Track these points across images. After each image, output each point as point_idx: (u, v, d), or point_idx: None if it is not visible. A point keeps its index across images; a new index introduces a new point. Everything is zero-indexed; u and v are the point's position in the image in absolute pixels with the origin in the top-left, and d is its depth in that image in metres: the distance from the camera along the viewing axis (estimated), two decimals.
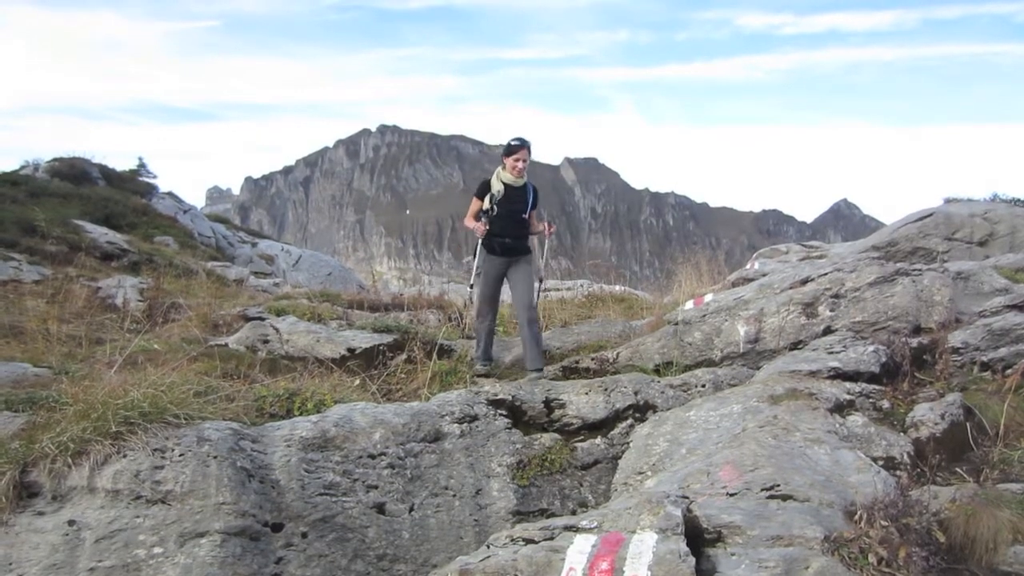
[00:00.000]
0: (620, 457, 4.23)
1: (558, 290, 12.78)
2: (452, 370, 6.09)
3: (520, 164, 5.95)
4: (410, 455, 3.79)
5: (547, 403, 4.49)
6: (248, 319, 7.70)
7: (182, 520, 2.93)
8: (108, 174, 21.79)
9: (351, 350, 6.48)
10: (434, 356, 6.17)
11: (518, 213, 6.06)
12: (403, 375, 6.10)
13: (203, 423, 3.33)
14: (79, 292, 8.27)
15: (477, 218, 6.07)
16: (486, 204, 6.04)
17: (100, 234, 14.40)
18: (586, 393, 4.57)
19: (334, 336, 6.73)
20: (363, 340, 6.65)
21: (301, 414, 4.02)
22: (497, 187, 6.00)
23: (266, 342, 6.61)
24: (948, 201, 11.26)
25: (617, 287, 13.17)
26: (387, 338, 6.70)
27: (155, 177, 24.11)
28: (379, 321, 7.46)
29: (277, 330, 6.64)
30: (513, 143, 6.00)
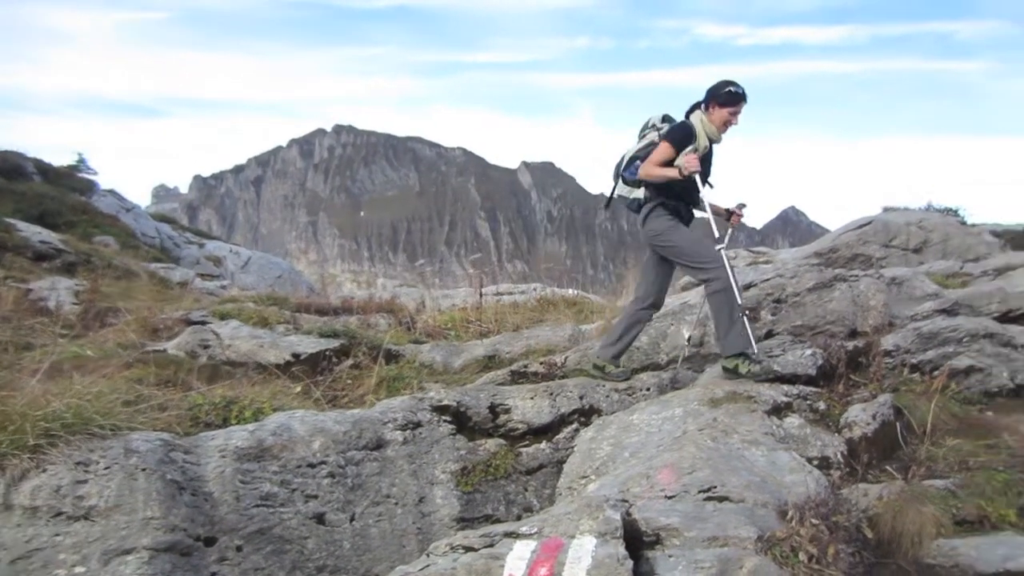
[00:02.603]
0: (565, 461, 4.24)
1: (511, 294, 12.80)
2: (399, 375, 6.03)
3: (736, 121, 4.73)
4: (351, 463, 3.73)
5: (492, 408, 4.48)
6: (191, 323, 7.50)
7: (106, 537, 2.82)
8: (44, 169, 20.78)
9: (296, 355, 6.36)
10: (380, 361, 6.10)
11: (708, 175, 4.86)
12: (349, 381, 6.02)
13: (131, 434, 3.21)
14: (7, 295, 7.93)
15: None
16: (681, 160, 4.58)
17: (33, 233, 13.79)
18: (532, 398, 4.58)
19: (279, 341, 6.60)
20: (309, 345, 6.54)
21: (239, 423, 3.92)
22: (704, 141, 4.70)
23: (207, 347, 6.44)
24: (886, 210, 11.67)
25: (570, 291, 13.26)
26: (334, 343, 6.60)
27: (96, 174, 23.19)
28: (326, 326, 7.35)
29: (217, 335, 6.48)
30: (737, 91, 4.65)
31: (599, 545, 2.63)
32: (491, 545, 2.73)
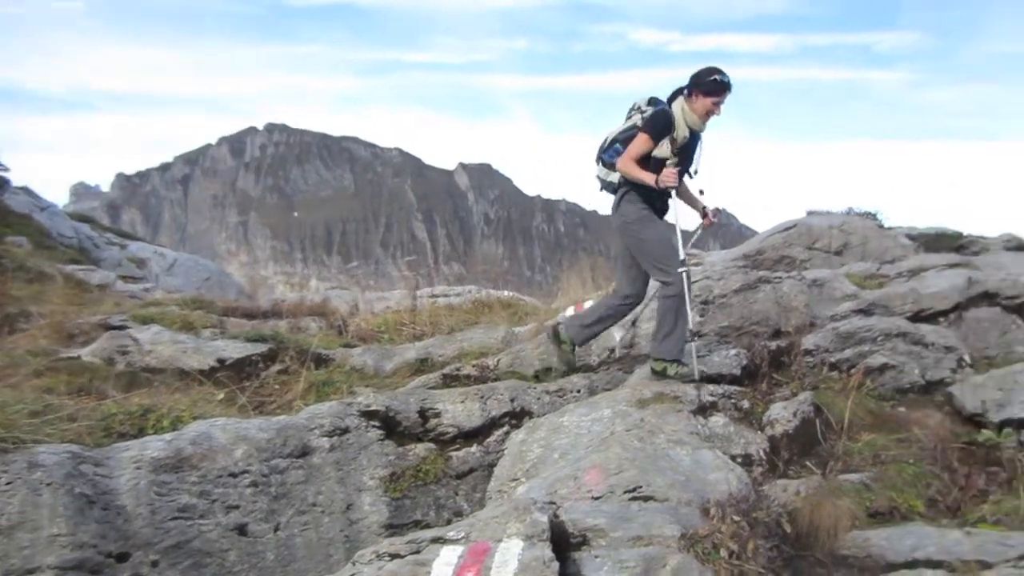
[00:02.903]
0: (496, 464, 4.24)
1: (447, 296, 12.73)
2: (329, 380, 5.90)
3: (718, 111, 4.55)
4: (275, 472, 3.63)
5: (422, 413, 4.43)
6: (110, 328, 7.16)
7: (8, 556, 2.66)
8: None
9: (221, 361, 6.15)
10: (309, 366, 5.96)
11: (685, 170, 4.69)
12: (277, 387, 5.86)
13: (37, 447, 3.05)
14: None
15: (646, 165, 4.52)
16: (662, 150, 4.51)
17: None
18: (462, 401, 4.56)
19: (203, 346, 6.37)
20: (235, 350, 6.33)
21: (156, 433, 3.76)
22: (684, 131, 4.52)
23: (125, 353, 6.16)
24: (810, 213, 12.09)
25: (505, 293, 13.27)
26: (261, 347, 6.41)
27: (7, 170, 21.92)
28: (254, 330, 7.14)
29: (136, 340, 6.22)
30: (722, 80, 4.44)
31: (526, 548, 2.63)
32: (418, 552, 2.70)
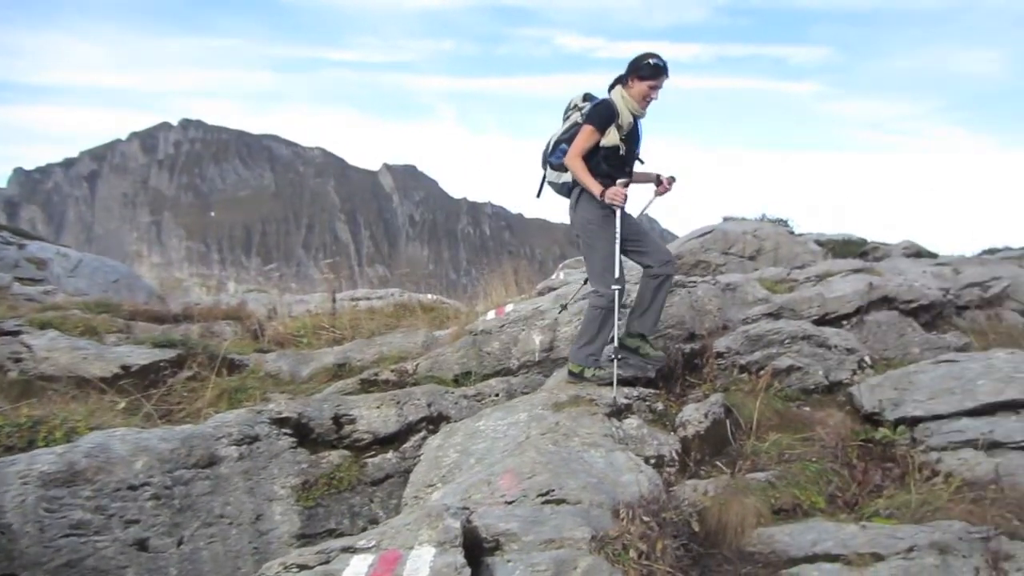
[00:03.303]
0: (412, 471, 4.19)
1: (369, 299, 12.54)
2: (241, 387, 5.71)
3: (657, 94, 4.54)
4: (179, 483, 3.48)
5: (336, 419, 4.34)
6: (3, 334, 6.71)
7: None
8: None
9: (126, 368, 5.85)
10: (220, 372, 5.74)
11: (637, 154, 4.75)
12: (186, 394, 5.62)
13: None
14: None
15: (593, 159, 4.52)
16: (611, 138, 4.49)
17: None
18: (378, 407, 4.49)
19: (106, 352, 6.05)
20: (141, 356, 6.03)
21: (47, 445, 3.54)
22: (627, 116, 4.50)
23: (18, 361, 5.79)
24: (726, 219, 12.53)
25: (429, 296, 13.17)
26: (170, 353, 6.14)
27: None
28: (163, 335, 6.83)
29: (29, 347, 5.84)
30: (658, 63, 4.45)
31: (438, 555, 2.61)
32: (327, 562, 2.64)
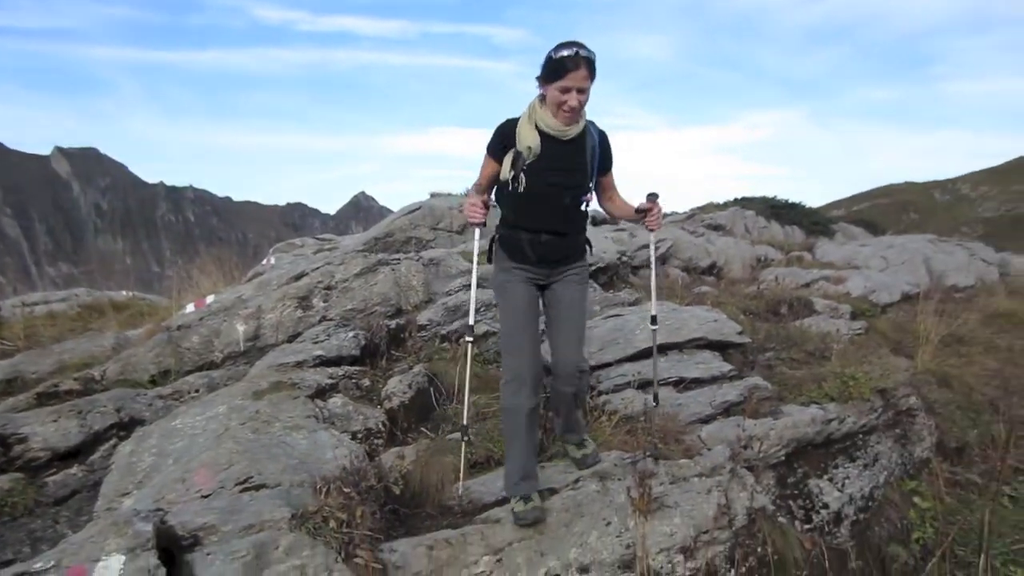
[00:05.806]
0: (103, 482, 3.87)
1: (47, 302, 10.96)
2: None
3: (574, 98, 3.08)
4: None
5: (3, 440, 3.84)
6: None
7: None
8: None
9: None
10: None
11: (569, 188, 3.28)
12: None
13: None
14: None
15: (489, 192, 3.42)
16: (506, 170, 3.22)
17: None
18: (55, 420, 4.05)
19: None
20: None
21: None
22: (528, 140, 3.17)
23: None
24: (433, 195, 13.08)
25: (123, 293, 11.88)
26: None
27: None
28: None
29: None
30: (565, 54, 3.03)
31: (128, 561, 2.53)
32: None
